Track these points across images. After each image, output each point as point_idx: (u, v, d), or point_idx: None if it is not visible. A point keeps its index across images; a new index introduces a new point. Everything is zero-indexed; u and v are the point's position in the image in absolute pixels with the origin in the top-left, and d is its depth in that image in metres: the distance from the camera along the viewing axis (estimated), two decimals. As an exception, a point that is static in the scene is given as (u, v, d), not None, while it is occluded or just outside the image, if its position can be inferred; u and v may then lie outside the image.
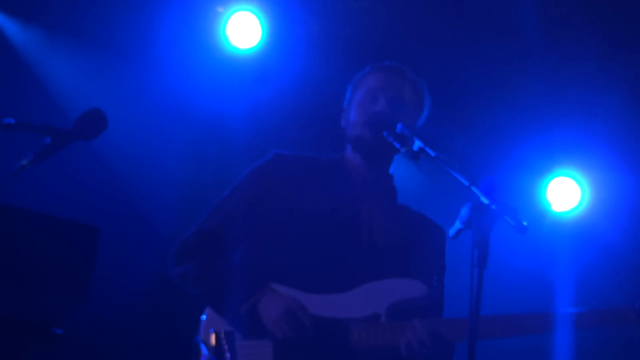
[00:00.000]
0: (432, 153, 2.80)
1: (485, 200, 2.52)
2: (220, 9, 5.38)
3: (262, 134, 5.55)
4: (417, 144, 2.86)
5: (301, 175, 3.25)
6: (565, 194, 6.22)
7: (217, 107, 5.61)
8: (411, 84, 3.36)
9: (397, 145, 3.02)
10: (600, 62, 5.33)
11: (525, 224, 2.48)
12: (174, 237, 3.33)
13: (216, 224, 3.20)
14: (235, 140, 5.58)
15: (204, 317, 3.12)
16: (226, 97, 5.61)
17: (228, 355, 2.77)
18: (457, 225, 2.56)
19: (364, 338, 2.98)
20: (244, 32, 5.40)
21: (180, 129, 5.74)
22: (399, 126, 3.03)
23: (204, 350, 2.91)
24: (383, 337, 3.00)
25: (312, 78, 5.53)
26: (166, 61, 5.48)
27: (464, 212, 2.52)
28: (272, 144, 5.49)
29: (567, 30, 5.19)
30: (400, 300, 3.06)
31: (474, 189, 2.58)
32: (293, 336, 2.94)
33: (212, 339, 2.81)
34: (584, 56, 5.29)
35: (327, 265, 3.08)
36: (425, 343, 2.96)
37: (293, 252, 3.10)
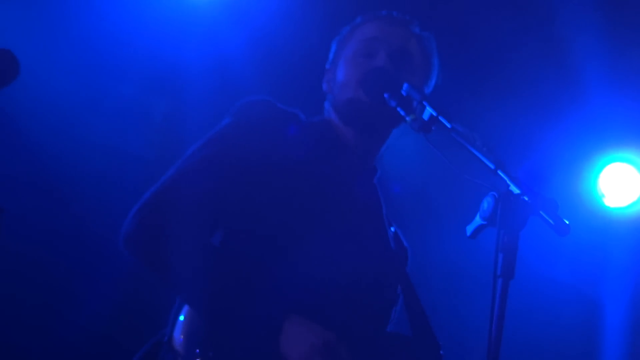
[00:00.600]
0: (447, 124, 2.76)
1: (515, 190, 2.49)
2: None
3: (225, 92, 5.53)
4: (429, 111, 2.83)
5: (301, 145, 3.14)
6: (622, 184, 6.25)
7: (167, 55, 5.60)
8: (418, 39, 3.33)
9: (402, 112, 2.97)
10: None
11: (567, 222, 2.45)
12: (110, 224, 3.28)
13: (179, 193, 2.99)
14: (190, 100, 5.58)
15: (181, 318, 2.94)
16: (179, 42, 5.62)
17: None
18: (477, 220, 2.55)
19: None
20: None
21: (118, 83, 5.73)
22: (405, 86, 2.99)
23: None
24: None
25: (293, 21, 5.51)
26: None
27: (486, 204, 2.51)
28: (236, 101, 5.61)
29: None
30: None
31: (501, 173, 2.55)
32: None
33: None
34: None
35: (347, 294, 3.00)
36: None
37: (306, 265, 2.97)
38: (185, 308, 2.95)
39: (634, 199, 6.26)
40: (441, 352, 3.08)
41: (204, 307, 2.91)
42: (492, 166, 2.58)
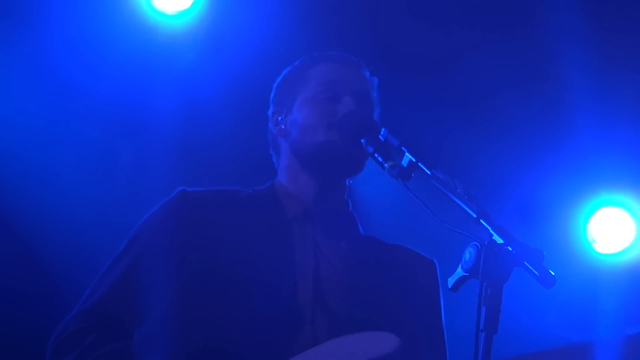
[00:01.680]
0: (427, 170, 2.78)
1: (498, 240, 2.50)
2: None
3: (193, 133, 5.55)
4: (408, 157, 2.85)
5: (218, 218, 3.18)
6: (614, 229, 6.27)
7: (131, 96, 5.60)
8: (370, 82, 3.38)
9: (380, 159, 2.98)
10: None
11: (553, 273, 2.45)
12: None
13: (102, 298, 3.12)
14: (156, 142, 5.57)
15: None
16: (145, 82, 5.61)
17: None
18: (459, 272, 2.55)
19: None
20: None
21: (81, 125, 5.72)
22: (382, 131, 3.01)
23: None
24: None
25: (265, 54, 5.53)
26: (64, 29, 5.47)
27: (468, 254, 2.52)
28: (207, 147, 5.63)
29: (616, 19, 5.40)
30: None
31: (483, 222, 2.56)
32: None
33: None
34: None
35: (261, 342, 3.01)
36: None
37: (212, 329, 3.03)
38: None
39: (626, 244, 6.27)
40: None
41: None
42: (474, 215, 2.58)
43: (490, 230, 2.53)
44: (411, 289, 3.24)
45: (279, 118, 3.35)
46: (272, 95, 3.45)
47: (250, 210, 3.24)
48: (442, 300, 3.32)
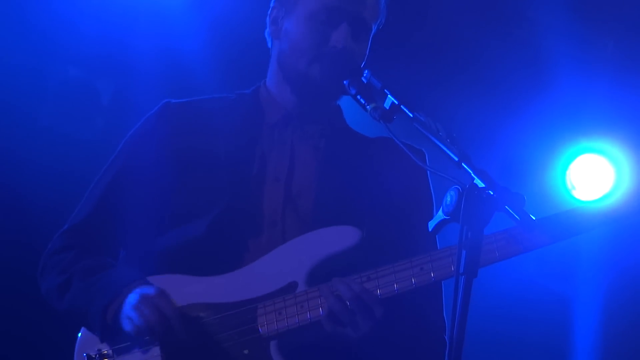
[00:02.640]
0: (409, 113, 2.77)
1: (480, 183, 2.48)
2: None
3: (174, 75, 5.52)
4: (390, 100, 2.84)
5: (199, 126, 3.27)
6: (593, 176, 6.28)
7: (116, 36, 5.59)
8: (379, 3, 3.33)
9: (362, 100, 2.98)
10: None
11: (533, 217, 2.45)
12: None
13: (90, 213, 3.26)
14: (140, 82, 5.55)
15: (79, 335, 3.19)
16: (130, 23, 5.62)
17: None
18: (440, 215, 2.54)
19: (273, 320, 3.01)
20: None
21: (64, 63, 5.68)
22: (365, 73, 3.00)
23: None
24: (298, 312, 3.01)
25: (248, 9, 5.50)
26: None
27: (449, 198, 2.50)
28: (190, 90, 5.59)
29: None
30: (325, 258, 3.06)
31: (465, 166, 2.55)
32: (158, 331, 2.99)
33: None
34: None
35: (227, 236, 3.12)
36: (353, 308, 2.93)
37: (183, 230, 3.14)
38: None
39: (605, 191, 6.29)
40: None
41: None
42: (455, 158, 2.57)
43: (472, 174, 2.51)
44: (391, 180, 3.28)
45: (277, 16, 3.33)
46: None
47: (231, 117, 3.30)
48: (431, 188, 3.36)
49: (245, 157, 3.21)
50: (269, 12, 3.37)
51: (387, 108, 2.84)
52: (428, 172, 3.28)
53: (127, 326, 3.00)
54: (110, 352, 3.08)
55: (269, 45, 3.40)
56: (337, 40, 3.18)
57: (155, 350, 3.03)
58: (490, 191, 2.47)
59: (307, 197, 3.20)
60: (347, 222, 3.10)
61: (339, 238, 3.07)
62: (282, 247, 3.10)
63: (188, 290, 3.06)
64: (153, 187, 3.20)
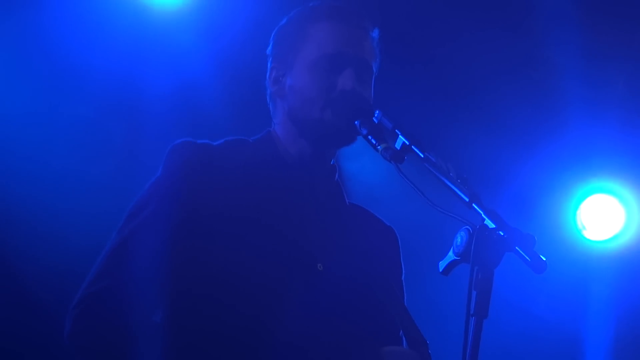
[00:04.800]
0: (420, 153, 2.76)
1: (490, 224, 2.48)
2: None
3: (188, 113, 5.53)
4: (401, 140, 2.83)
5: (231, 170, 3.11)
6: (604, 217, 6.27)
7: (125, 76, 5.57)
8: (375, 44, 3.28)
9: (374, 141, 2.95)
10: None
11: (544, 259, 2.43)
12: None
13: (115, 280, 2.98)
14: (151, 122, 5.55)
15: None
16: (141, 61, 5.59)
17: None
18: (450, 256, 2.53)
19: None
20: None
21: (75, 104, 5.68)
22: (377, 113, 2.98)
23: None
24: None
25: (259, 34, 5.50)
26: (58, 7, 5.43)
27: (459, 238, 2.50)
28: (201, 128, 5.61)
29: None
30: None
31: (475, 206, 2.54)
32: None
33: None
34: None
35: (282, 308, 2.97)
36: None
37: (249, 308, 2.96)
38: None
39: (615, 231, 6.27)
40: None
41: None
42: (466, 199, 2.56)
43: (482, 215, 2.50)
44: (377, 256, 3.23)
45: (278, 76, 3.27)
46: (270, 47, 3.35)
47: (258, 161, 3.19)
48: (402, 266, 3.35)
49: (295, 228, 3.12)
50: (267, 74, 3.32)
51: (398, 148, 2.83)
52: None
53: None
54: None
55: (271, 106, 3.33)
56: (345, 84, 3.13)
57: None
58: (500, 232, 2.46)
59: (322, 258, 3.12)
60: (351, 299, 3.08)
61: None
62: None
63: None
64: (186, 241, 3.02)
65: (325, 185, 3.27)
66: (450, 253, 2.53)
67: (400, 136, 2.83)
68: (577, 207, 6.28)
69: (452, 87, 5.89)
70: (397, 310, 3.12)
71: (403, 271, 3.35)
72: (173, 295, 3.00)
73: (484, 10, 5.64)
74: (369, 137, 2.98)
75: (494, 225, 2.47)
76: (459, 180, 2.62)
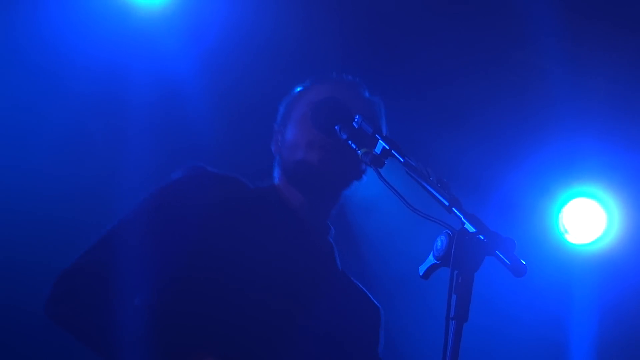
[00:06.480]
0: (400, 158, 2.76)
1: (470, 228, 2.48)
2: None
3: (171, 115, 5.52)
4: (381, 145, 2.83)
5: (232, 204, 3.21)
6: (586, 220, 6.28)
7: (107, 77, 5.55)
8: (368, 103, 3.37)
9: (353, 145, 2.97)
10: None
11: (524, 262, 2.43)
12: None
13: (109, 256, 3.10)
14: (134, 123, 5.55)
15: None
16: (122, 63, 5.58)
17: None
18: (430, 260, 2.53)
19: None
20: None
21: (54, 103, 5.67)
22: (356, 118, 3.00)
23: None
24: None
25: (243, 34, 5.52)
26: (41, 7, 5.42)
27: (439, 242, 2.49)
28: (184, 130, 5.60)
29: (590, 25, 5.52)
30: None
31: (455, 210, 2.54)
32: None
33: None
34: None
35: (268, 342, 3.07)
36: None
37: (226, 312, 3.06)
38: None
39: (597, 235, 6.29)
40: None
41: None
42: (446, 203, 2.56)
43: (462, 219, 2.50)
44: (359, 330, 3.33)
45: (276, 139, 3.40)
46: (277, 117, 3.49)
47: (263, 207, 3.28)
48: (381, 340, 3.42)
49: (293, 267, 3.22)
50: (273, 137, 3.44)
51: (378, 153, 2.83)
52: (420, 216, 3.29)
53: None
54: None
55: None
56: (320, 96, 3.25)
57: None
58: (480, 236, 2.46)
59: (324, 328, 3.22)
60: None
61: None
62: None
63: None
64: (179, 260, 3.12)
65: (320, 242, 3.35)
66: (431, 257, 2.52)
67: (380, 141, 2.84)
68: (559, 211, 6.29)
69: (438, 95, 5.90)
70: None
71: (381, 345, 3.41)
72: (158, 283, 3.10)
73: (472, 19, 5.65)
74: (349, 141, 3.00)
75: (474, 229, 2.47)
76: (439, 185, 2.63)
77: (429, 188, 2.62)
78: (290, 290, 3.16)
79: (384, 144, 2.82)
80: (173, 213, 3.15)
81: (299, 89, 3.44)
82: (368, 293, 3.44)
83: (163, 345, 2.95)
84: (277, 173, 3.38)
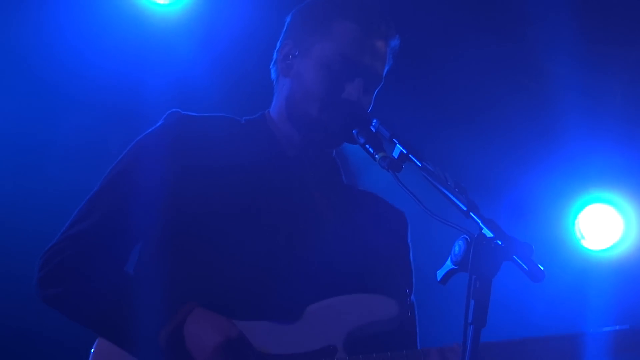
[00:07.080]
0: (418, 162, 2.75)
1: (488, 233, 2.47)
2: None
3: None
4: (398, 149, 2.83)
5: (217, 142, 3.18)
6: (602, 226, 6.26)
7: (123, 85, 5.57)
8: (393, 53, 3.31)
9: (371, 150, 2.96)
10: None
11: (542, 268, 2.42)
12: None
13: (97, 221, 3.09)
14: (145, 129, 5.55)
15: (92, 350, 3.04)
16: (137, 71, 5.61)
17: None
18: (448, 265, 2.52)
19: None
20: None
21: (72, 113, 5.67)
22: (374, 122, 2.99)
23: None
24: None
25: (254, 40, 5.51)
26: (56, 17, 5.45)
27: (457, 247, 2.48)
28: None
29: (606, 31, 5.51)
30: (363, 325, 3.06)
31: (473, 215, 2.53)
32: None
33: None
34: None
35: (267, 279, 3.06)
36: None
37: (219, 257, 3.06)
38: (95, 342, 3.04)
39: (614, 241, 6.27)
40: None
41: (105, 330, 3.01)
42: (464, 208, 2.56)
43: (480, 224, 2.49)
44: (390, 244, 3.30)
45: (289, 54, 3.29)
46: (288, 24, 3.36)
47: (245, 143, 3.24)
48: (410, 246, 3.41)
49: (260, 188, 3.17)
50: (278, 46, 3.33)
51: (396, 157, 2.82)
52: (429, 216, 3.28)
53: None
54: None
55: (273, 76, 3.36)
56: (351, 94, 3.15)
57: None
58: (498, 241, 2.45)
59: (316, 241, 3.17)
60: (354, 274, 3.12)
61: (379, 307, 3.09)
62: (323, 304, 3.08)
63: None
64: (169, 206, 3.11)
65: (319, 165, 3.31)
66: (448, 262, 2.51)
67: (397, 145, 2.84)
68: (575, 217, 6.27)
69: (452, 98, 5.89)
70: (389, 271, 3.22)
71: (410, 250, 3.39)
72: (146, 237, 3.13)
73: (484, 22, 5.65)
74: (367, 145, 2.99)
75: (491, 234, 2.46)
76: (456, 189, 2.62)
77: (447, 193, 2.62)
78: (285, 223, 3.14)
79: (401, 148, 2.81)
80: (152, 166, 3.13)
81: (324, 7, 3.29)
82: (385, 200, 3.40)
83: (155, 300, 2.96)
84: (277, 103, 3.33)
